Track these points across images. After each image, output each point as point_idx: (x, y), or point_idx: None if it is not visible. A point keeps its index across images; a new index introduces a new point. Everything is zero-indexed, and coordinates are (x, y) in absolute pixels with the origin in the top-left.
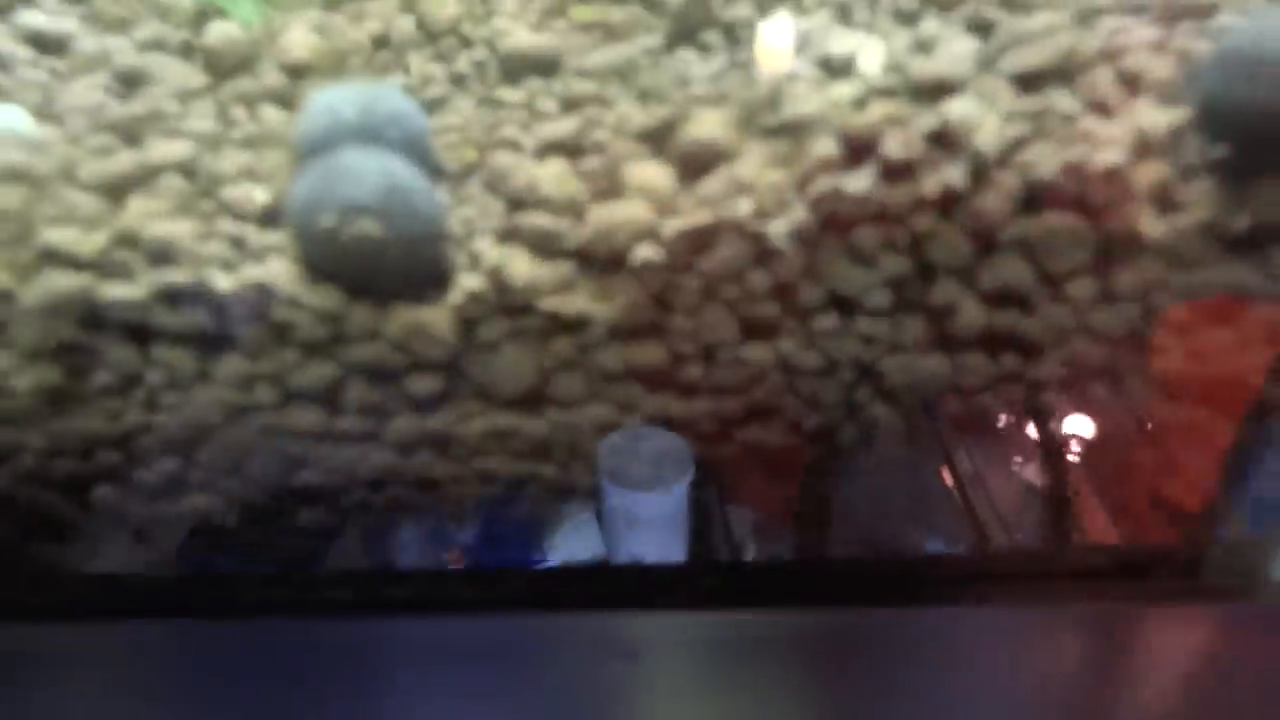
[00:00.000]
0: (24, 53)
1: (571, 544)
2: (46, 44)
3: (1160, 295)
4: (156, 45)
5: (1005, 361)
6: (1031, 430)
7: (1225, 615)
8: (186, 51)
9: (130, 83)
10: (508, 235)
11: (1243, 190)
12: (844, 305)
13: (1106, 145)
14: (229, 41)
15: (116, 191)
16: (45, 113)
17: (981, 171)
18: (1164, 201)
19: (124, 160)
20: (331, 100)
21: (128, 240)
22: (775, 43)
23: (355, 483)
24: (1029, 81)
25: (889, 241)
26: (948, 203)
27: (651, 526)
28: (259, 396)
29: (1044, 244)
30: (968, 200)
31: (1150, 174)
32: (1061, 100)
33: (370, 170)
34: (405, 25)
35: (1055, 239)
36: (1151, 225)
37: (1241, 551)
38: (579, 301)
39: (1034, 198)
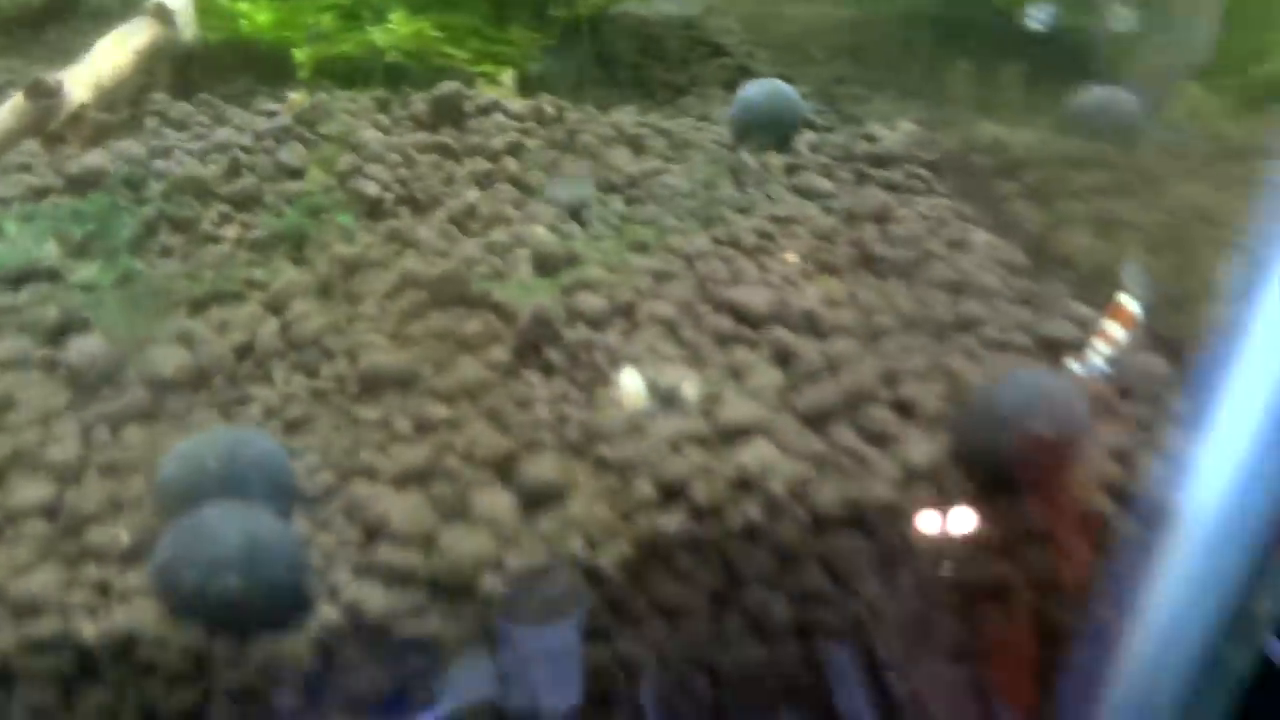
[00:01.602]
0: None
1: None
2: None
3: (933, 589)
4: (19, 363)
5: (815, 645)
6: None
7: None
8: (49, 367)
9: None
10: (363, 570)
11: (993, 507)
12: (668, 612)
13: (880, 478)
14: (90, 357)
15: None
16: None
17: (775, 508)
18: (934, 512)
19: None
20: (194, 449)
21: None
22: (620, 380)
23: None
24: (817, 420)
25: (702, 562)
26: (750, 535)
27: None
28: None
29: (835, 557)
30: (765, 530)
31: (920, 496)
32: (844, 436)
33: (231, 530)
34: (269, 333)
35: (843, 552)
36: (924, 536)
37: None
38: (431, 625)
39: (820, 521)
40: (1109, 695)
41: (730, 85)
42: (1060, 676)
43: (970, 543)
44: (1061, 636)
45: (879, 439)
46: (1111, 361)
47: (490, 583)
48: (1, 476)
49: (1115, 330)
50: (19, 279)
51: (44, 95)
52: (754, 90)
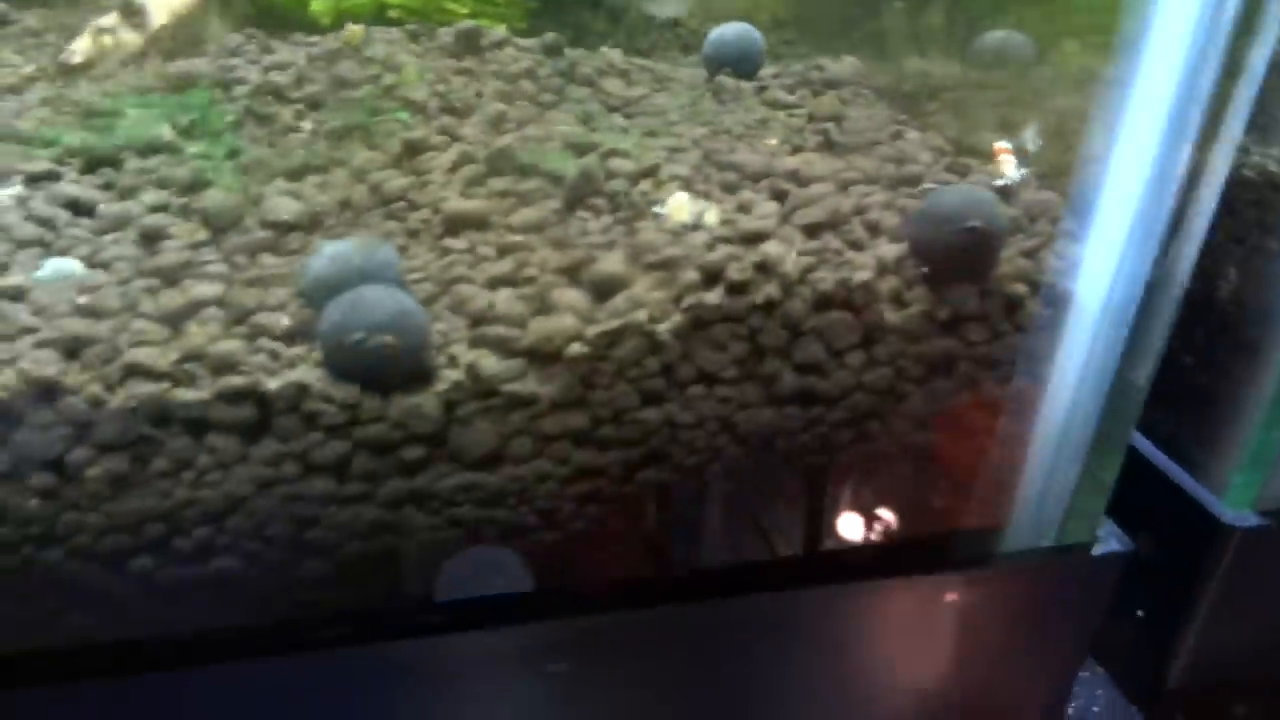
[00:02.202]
0: (64, 215)
1: None
2: (79, 208)
3: (902, 360)
4: (162, 208)
5: (812, 411)
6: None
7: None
8: (186, 213)
9: (150, 238)
10: (476, 342)
11: (941, 292)
12: (709, 379)
13: (861, 269)
14: (221, 205)
15: (174, 319)
16: (93, 262)
17: (788, 287)
18: (898, 301)
19: (176, 297)
20: (338, 250)
21: (196, 356)
22: (656, 211)
23: (353, 535)
24: (812, 230)
25: (734, 335)
26: (769, 308)
27: None
28: (285, 471)
29: (830, 331)
30: (781, 305)
31: (888, 285)
32: (832, 242)
33: (386, 300)
34: (361, 191)
35: (836, 327)
36: (893, 316)
37: None
38: (530, 385)
39: (821, 302)
40: (1026, 454)
41: (687, 49)
42: (988, 436)
43: (924, 318)
44: (990, 401)
45: (857, 244)
46: (1006, 184)
47: (574, 349)
48: (177, 281)
49: (1005, 161)
50: (146, 151)
51: (133, 14)
52: (725, 29)
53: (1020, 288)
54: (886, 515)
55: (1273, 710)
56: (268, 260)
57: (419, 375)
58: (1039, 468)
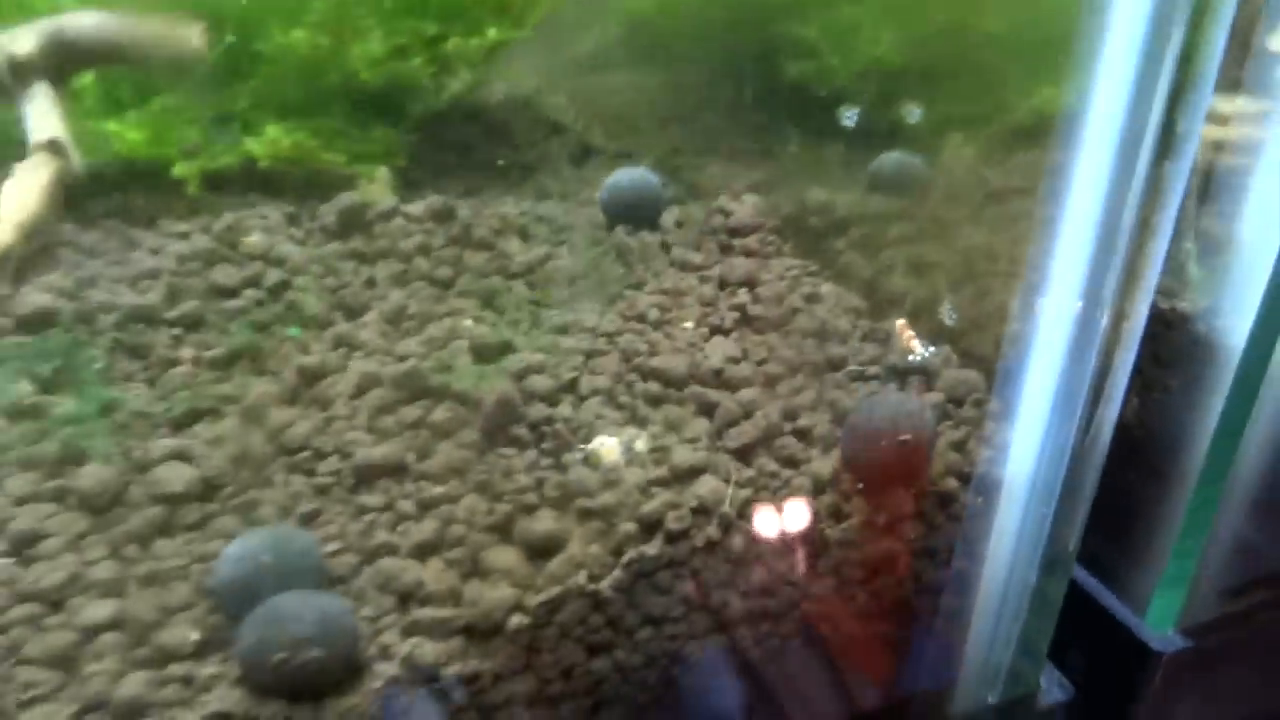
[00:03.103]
0: None
1: None
2: None
3: (845, 567)
4: (31, 498)
5: (761, 628)
6: None
7: None
8: (61, 497)
9: (24, 544)
10: (409, 630)
11: (877, 500)
12: (654, 621)
13: (798, 491)
14: (101, 482)
15: (66, 660)
16: None
17: (728, 525)
18: (837, 516)
19: (64, 630)
20: (247, 549)
21: (98, 704)
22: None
23: None
24: (745, 452)
25: (678, 577)
26: (710, 547)
27: None
28: None
29: (773, 557)
30: (722, 543)
31: (826, 501)
32: (768, 464)
33: (307, 611)
34: (258, 442)
35: (779, 552)
36: (833, 532)
37: None
38: (471, 663)
39: (762, 534)
40: (969, 625)
41: (575, 160)
42: (933, 615)
43: (863, 527)
44: (932, 585)
45: (791, 461)
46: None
47: (515, 620)
48: (61, 603)
49: (911, 340)
50: (7, 418)
51: None
52: (620, 176)
53: (952, 483)
54: (841, 694)
55: None
56: (162, 547)
57: (351, 673)
58: (981, 633)
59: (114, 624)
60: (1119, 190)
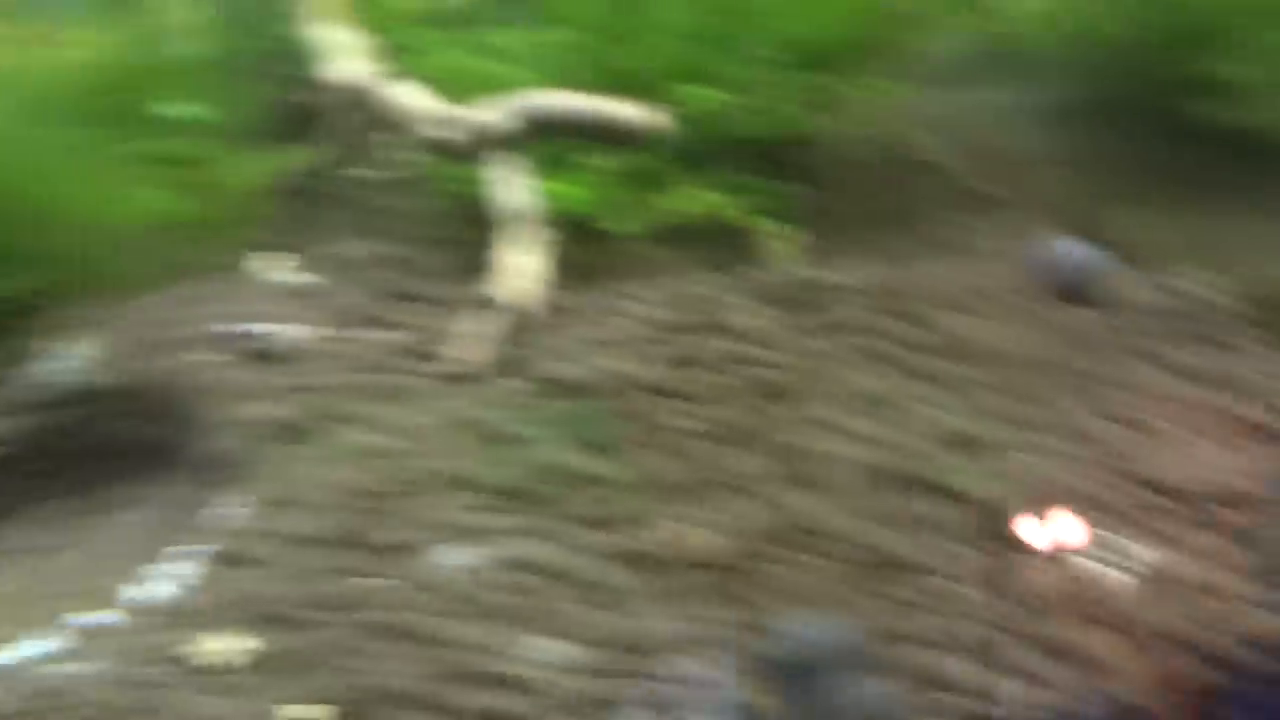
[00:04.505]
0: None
1: None
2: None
3: None
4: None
5: None
6: None
7: None
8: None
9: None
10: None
11: None
12: None
13: None
14: (651, 541)
15: None
16: None
17: None
18: None
19: None
20: (807, 633)
21: None
22: None
23: None
24: None
25: None
26: None
27: None
28: None
29: None
30: None
31: None
32: None
33: (868, 697)
34: (768, 520)
35: None
36: None
37: None
38: None
39: None
40: None
41: (964, 208)
42: None
43: None
44: None
45: None
46: None
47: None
48: None
49: None
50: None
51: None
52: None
53: None
54: None
55: None
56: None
57: None
58: None
59: None
60: None
